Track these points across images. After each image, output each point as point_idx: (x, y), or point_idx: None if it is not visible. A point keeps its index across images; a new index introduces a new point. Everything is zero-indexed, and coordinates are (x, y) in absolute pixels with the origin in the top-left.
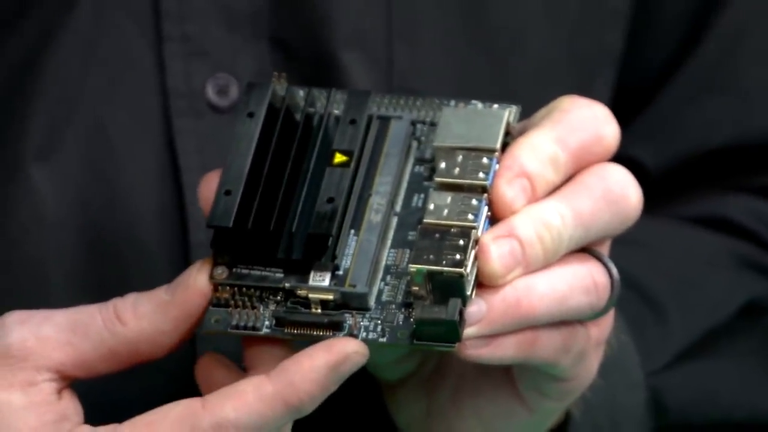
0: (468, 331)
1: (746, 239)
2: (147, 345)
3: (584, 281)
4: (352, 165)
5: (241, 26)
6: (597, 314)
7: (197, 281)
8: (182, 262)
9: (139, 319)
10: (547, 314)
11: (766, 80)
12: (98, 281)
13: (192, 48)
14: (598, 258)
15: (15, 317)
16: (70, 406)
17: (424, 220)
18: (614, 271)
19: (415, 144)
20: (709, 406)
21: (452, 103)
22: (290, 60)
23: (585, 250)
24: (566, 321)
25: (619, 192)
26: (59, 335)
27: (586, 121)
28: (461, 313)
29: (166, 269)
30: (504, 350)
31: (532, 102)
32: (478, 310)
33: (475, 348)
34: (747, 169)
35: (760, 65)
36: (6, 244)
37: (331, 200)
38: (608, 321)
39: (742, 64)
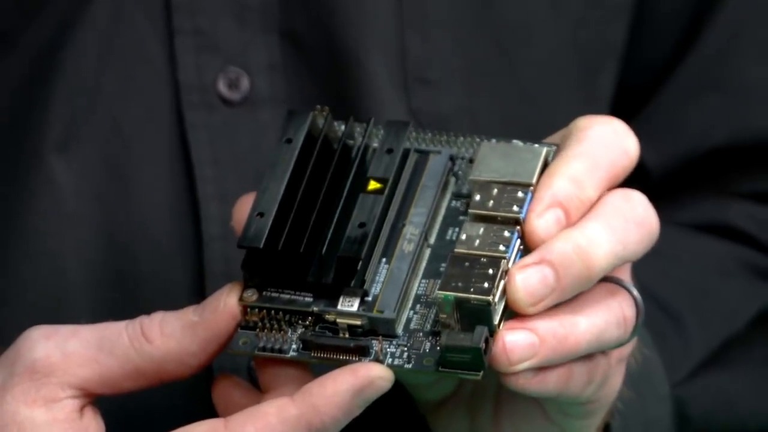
0: (522, 365)
1: (750, 246)
2: (173, 364)
3: (616, 315)
4: (386, 192)
5: (251, 20)
6: (620, 344)
7: (227, 304)
8: (195, 256)
9: (166, 338)
10: (587, 349)
11: (765, 78)
12: (113, 274)
13: (203, 42)
14: (627, 289)
15: (41, 332)
16: (93, 424)
17: (455, 250)
18: (640, 301)
19: (453, 180)
20: (728, 415)
21: (494, 141)
22: (301, 53)
23: (612, 280)
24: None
25: (644, 214)
26: (85, 351)
27: (608, 138)
28: (487, 342)
29: (179, 262)
30: (547, 384)
31: (540, 92)
32: (531, 343)
33: (526, 379)
34: (747, 170)
35: (758, 63)
36: (29, 234)
37: (362, 225)
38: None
39: (740, 62)
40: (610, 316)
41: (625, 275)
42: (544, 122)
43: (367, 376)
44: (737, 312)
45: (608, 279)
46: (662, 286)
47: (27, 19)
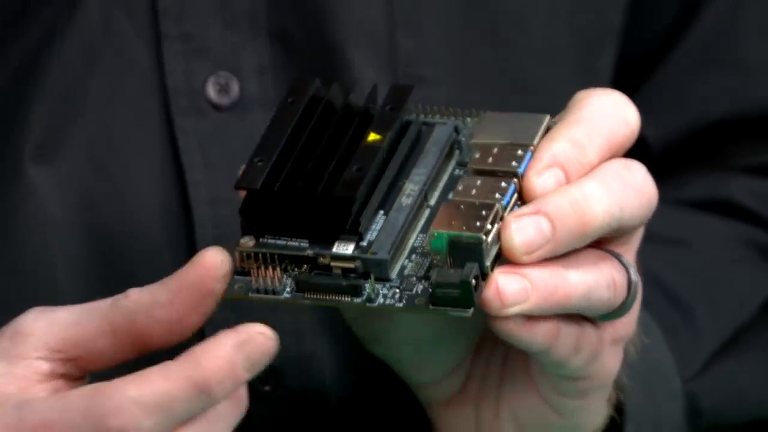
0: (514, 308)
1: (751, 222)
2: (142, 316)
3: (606, 277)
4: (386, 142)
5: (240, 24)
6: (612, 315)
7: (202, 256)
8: (188, 259)
9: (142, 292)
10: (576, 304)
11: (765, 53)
12: (105, 281)
13: (192, 47)
14: (617, 258)
15: (37, 308)
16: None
17: (451, 198)
18: (632, 272)
19: (457, 152)
20: (739, 405)
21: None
22: (291, 54)
23: (607, 251)
24: (580, 319)
25: (642, 182)
26: (70, 316)
27: (608, 107)
28: (477, 279)
29: (173, 268)
30: (536, 334)
31: (537, 82)
32: (524, 288)
33: (516, 324)
34: (747, 143)
35: (759, 38)
36: (13, 247)
37: (360, 170)
38: (625, 320)
39: (741, 37)
40: (600, 277)
41: (629, 256)
42: (544, 111)
43: (248, 332)
44: (747, 299)
45: (603, 250)
46: (671, 275)
47: (11, 26)
